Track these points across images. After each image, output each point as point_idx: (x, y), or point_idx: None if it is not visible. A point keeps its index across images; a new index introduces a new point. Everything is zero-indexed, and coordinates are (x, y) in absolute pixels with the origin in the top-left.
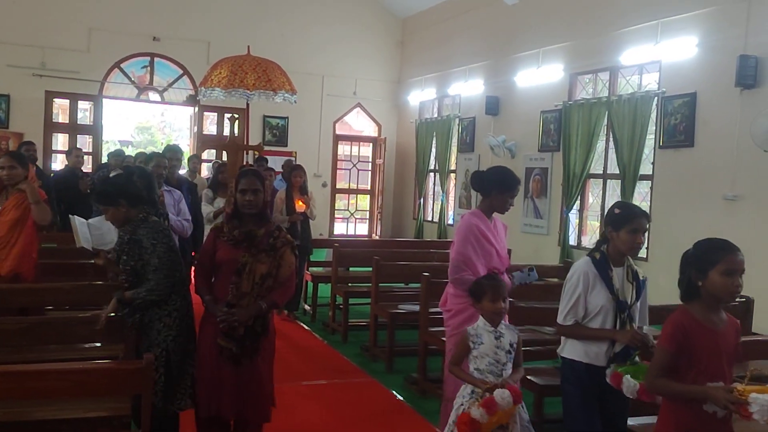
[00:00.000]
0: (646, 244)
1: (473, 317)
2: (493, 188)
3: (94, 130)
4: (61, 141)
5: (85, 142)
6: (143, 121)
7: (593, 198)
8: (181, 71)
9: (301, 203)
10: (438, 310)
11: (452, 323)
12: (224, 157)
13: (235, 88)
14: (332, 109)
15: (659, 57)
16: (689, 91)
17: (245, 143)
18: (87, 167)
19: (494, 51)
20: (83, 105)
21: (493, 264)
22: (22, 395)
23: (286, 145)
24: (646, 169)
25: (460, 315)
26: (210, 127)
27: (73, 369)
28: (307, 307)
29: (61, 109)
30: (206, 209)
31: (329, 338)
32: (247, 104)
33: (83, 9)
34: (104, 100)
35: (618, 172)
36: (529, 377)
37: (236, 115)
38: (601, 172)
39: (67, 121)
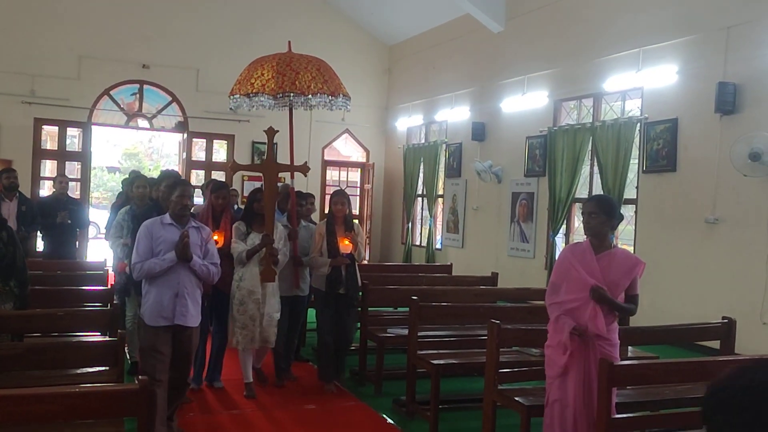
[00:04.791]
0: None
1: None
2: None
3: (83, 156)
4: (49, 167)
5: (73, 169)
6: (130, 147)
7: (579, 222)
8: (170, 98)
9: (347, 242)
10: (426, 333)
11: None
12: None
13: (286, 92)
14: (321, 135)
15: (641, 84)
16: (671, 117)
17: (288, 162)
18: (75, 193)
19: (480, 78)
20: (72, 132)
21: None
22: (16, 419)
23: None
24: (630, 193)
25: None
26: (199, 153)
27: (69, 393)
28: None
29: (49, 135)
30: (238, 247)
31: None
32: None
33: (73, 36)
34: (93, 126)
35: None
36: (516, 398)
37: (275, 129)
38: (587, 196)
39: (56, 148)
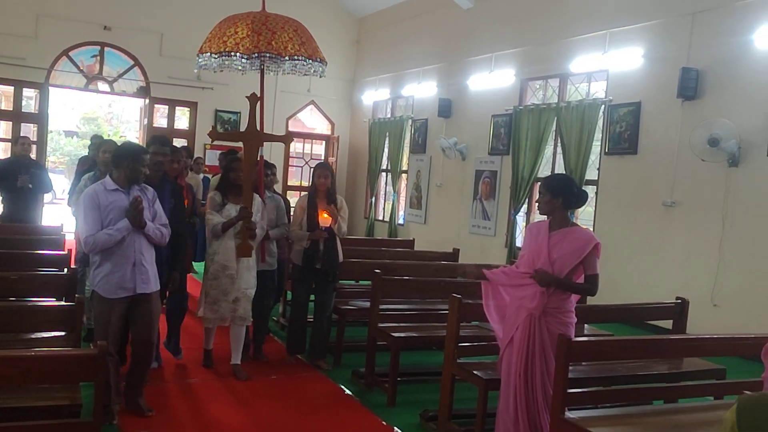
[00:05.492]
0: None
1: None
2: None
3: (40, 118)
4: (3, 129)
5: (29, 131)
6: (89, 112)
7: None
8: (132, 62)
9: (326, 215)
10: (387, 306)
11: None
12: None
13: (262, 52)
14: (285, 106)
15: (607, 66)
16: (634, 101)
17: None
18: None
19: (448, 54)
20: (28, 93)
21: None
22: None
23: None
24: (592, 174)
25: None
26: (160, 120)
27: (24, 356)
28: None
29: (4, 95)
30: (213, 219)
31: (279, 334)
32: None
33: None
34: (51, 88)
35: None
36: (474, 372)
37: (258, 95)
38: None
39: (11, 109)
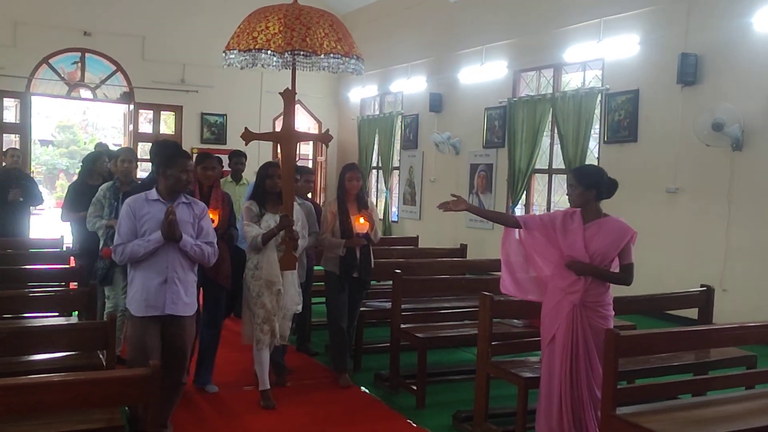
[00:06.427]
0: None
1: None
2: None
3: (22, 128)
4: None
5: (11, 142)
6: (64, 120)
7: (538, 193)
8: (114, 67)
9: (363, 220)
10: (411, 306)
11: None
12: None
13: (296, 49)
14: (271, 106)
15: (602, 55)
16: (632, 88)
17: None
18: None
19: (437, 48)
20: (9, 102)
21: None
22: (19, 411)
23: (225, 143)
24: (591, 163)
25: None
26: (145, 126)
27: (76, 381)
28: None
29: None
30: (252, 231)
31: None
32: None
33: (7, 1)
34: (33, 97)
35: (563, 167)
36: (512, 370)
37: (294, 91)
38: (547, 167)
39: None
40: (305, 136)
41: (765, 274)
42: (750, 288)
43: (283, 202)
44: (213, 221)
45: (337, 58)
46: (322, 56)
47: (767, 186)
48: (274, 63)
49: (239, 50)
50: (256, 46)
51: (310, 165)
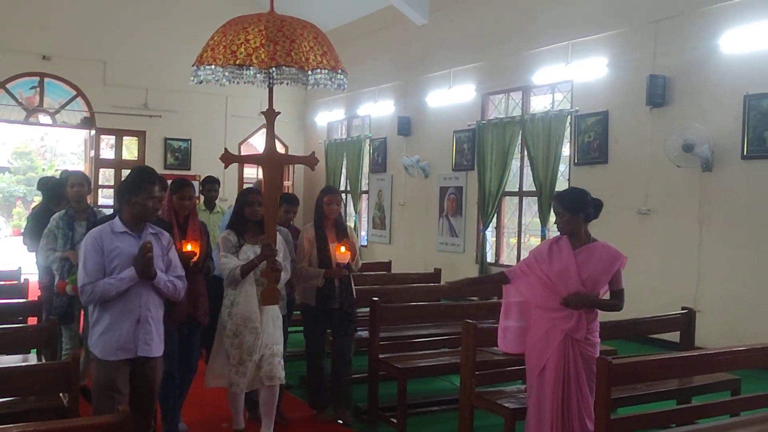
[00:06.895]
0: None
1: None
2: None
3: None
4: None
5: None
6: (21, 146)
7: (509, 216)
8: (74, 92)
9: (343, 249)
10: (387, 335)
11: None
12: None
13: (280, 65)
14: (237, 131)
15: (571, 77)
16: (601, 110)
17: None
18: None
19: (405, 71)
20: None
21: None
22: None
23: (190, 168)
24: (562, 185)
25: None
26: (107, 151)
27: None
28: None
29: None
30: (229, 263)
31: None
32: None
33: None
34: None
35: (534, 189)
36: (497, 401)
37: (276, 111)
38: (517, 189)
39: None
40: (290, 159)
41: (738, 295)
42: (724, 309)
43: (264, 232)
44: (195, 254)
45: (324, 73)
46: (309, 72)
47: (737, 205)
48: (261, 80)
49: (216, 65)
50: (237, 61)
51: None
